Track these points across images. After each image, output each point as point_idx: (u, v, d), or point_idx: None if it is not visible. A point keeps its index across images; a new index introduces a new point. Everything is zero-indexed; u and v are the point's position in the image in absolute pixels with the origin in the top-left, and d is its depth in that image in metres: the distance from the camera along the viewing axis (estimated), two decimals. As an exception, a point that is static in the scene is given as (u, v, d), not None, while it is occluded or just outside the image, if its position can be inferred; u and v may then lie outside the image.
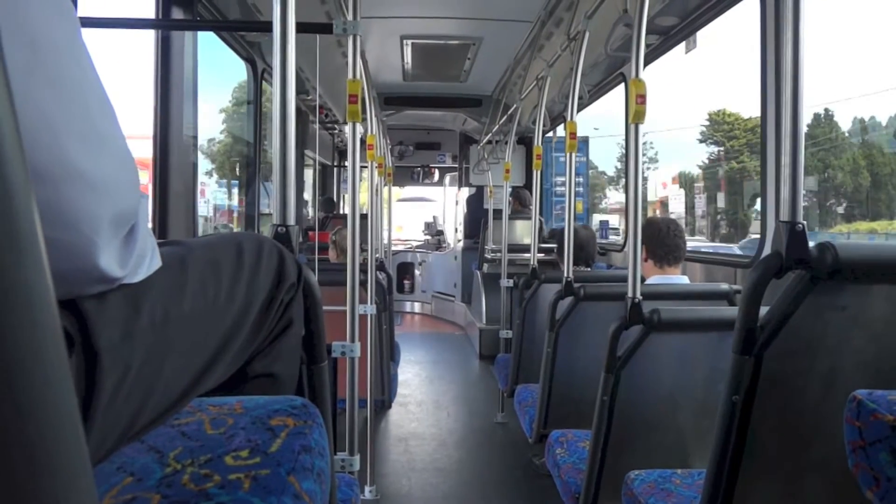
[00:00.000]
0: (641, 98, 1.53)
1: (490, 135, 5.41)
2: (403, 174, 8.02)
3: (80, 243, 0.46)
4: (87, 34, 0.49)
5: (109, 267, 0.49)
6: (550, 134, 5.88)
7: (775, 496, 1.07)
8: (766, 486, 1.06)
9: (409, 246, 8.57)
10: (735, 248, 15.20)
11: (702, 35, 3.06)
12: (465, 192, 7.37)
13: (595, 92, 4.30)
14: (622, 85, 3.93)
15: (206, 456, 0.57)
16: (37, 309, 0.22)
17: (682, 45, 3.22)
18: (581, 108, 2.58)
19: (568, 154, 2.51)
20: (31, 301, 0.22)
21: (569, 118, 2.42)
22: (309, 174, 6.74)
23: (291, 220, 1.13)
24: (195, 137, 2.76)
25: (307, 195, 7.04)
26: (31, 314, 0.22)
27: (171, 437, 0.61)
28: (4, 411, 0.21)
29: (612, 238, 7.98)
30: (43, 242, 0.22)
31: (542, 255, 4.30)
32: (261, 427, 0.63)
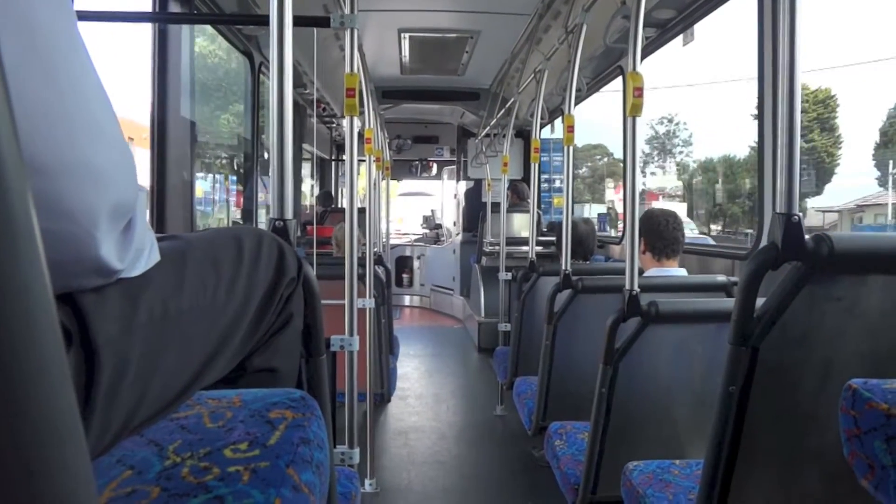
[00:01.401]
0: (639, 91, 1.53)
1: (488, 128, 5.40)
2: (401, 168, 8.01)
3: (79, 234, 0.46)
4: (84, 27, 0.49)
5: (108, 258, 0.49)
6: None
7: (772, 485, 1.08)
8: (762, 475, 1.07)
9: (408, 239, 8.56)
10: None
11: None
12: (464, 186, 7.37)
13: (593, 85, 4.30)
14: (620, 77, 3.93)
15: (205, 449, 0.58)
16: (33, 304, 0.22)
17: (680, 37, 3.21)
18: (579, 100, 2.58)
19: (565, 147, 2.51)
20: (27, 296, 0.22)
21: (567, 111, 2.42)
22: (307, 168, 6.74)
23: (289, 214, 1.13)
24: (193, 131, 2.75)
25: (305, 188, 7.04)
26: (28, 309, 0.22)
27: (171, 430, 0.62)
28: (2, 407, 0.21)
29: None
30: (39, 237, 0.22)
31: (541, 248, 4.30)
32: (259, 420, 0.63)
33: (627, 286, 1.53)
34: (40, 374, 0.22)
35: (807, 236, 0.98)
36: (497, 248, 4.32)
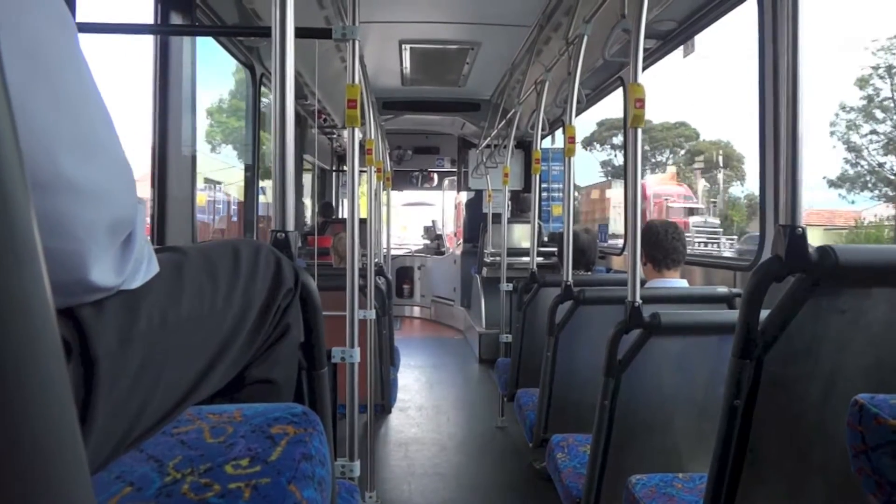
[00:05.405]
0: (640, 102, 1.53)
1: (489, 139, 5.41)
2: (402, 178, 8.02)
3: (77, 252, 0.46)
4: (85, 39, 0.49)
5: (105, 275, 0.49)
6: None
7: (777, 499, 1.07)
8: (767, 490, 1.05)
9: (409, 250, 8.57)
10: None
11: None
12: (465, 197, 7.38)
13: (593, 96, 4.31)
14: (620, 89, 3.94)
15: (205, 465, 0.57)
16: (35, 319, 0.22)
17: (680, 49, 3.22)
18: (579, 111, 2.58)
19: (566, 158, 2.51)
20: (28, 311, 0.21)
21: (567, 122, 2.42)
22: (308, 179, 6.75)
23: (290, 226, 1.12)
24: (194, 143, 2.76)
25: (307, 200, 7.05)
26: (29, 324, 0.21)
27: (171, 445, 0.61)
28: (2, 422, 0.20)
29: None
30: (42, 252, 0.22)
31: (542, 258, 4.29)
32: (261, 435, 0.63)
33: (630, 297, 1.52)
34: (42, 391, 0.22)
35: (811, 248, 0.98)
36: (498, 258, 4.32)
